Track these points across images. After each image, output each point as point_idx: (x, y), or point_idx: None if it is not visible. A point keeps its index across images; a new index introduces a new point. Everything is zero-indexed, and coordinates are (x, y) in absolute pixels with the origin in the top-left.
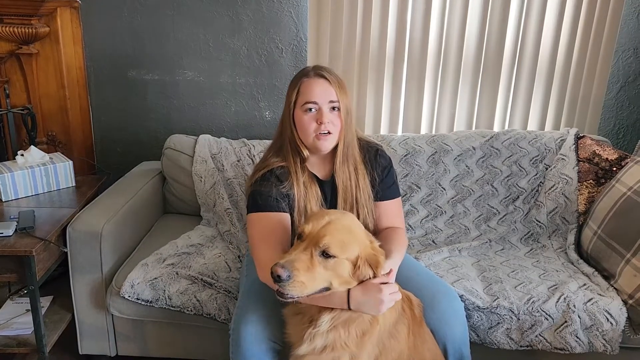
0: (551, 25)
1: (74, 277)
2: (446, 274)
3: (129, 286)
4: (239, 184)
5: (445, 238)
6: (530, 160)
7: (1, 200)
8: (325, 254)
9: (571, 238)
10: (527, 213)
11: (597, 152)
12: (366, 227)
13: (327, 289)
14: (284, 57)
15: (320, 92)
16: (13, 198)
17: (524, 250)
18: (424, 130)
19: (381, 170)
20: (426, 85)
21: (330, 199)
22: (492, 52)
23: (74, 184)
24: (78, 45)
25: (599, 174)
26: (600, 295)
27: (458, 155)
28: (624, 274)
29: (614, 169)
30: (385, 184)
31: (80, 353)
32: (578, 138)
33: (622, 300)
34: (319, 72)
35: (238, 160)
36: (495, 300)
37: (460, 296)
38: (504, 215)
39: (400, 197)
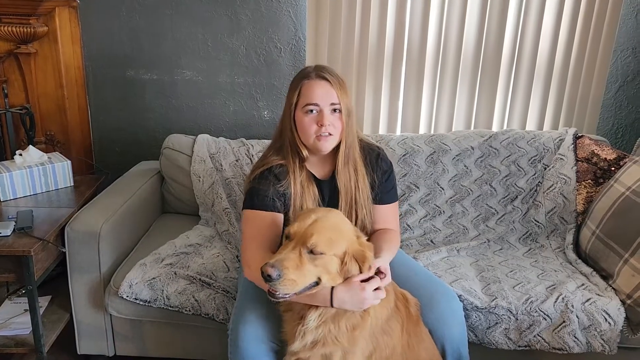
0: (550, 25)
1: (72, 277)
2: (444, 273)
3: (127, 286)
4: (237, 183)
5: (444, 238)
6: (529, 160)
7: None
8: (314, 252)
9: (569, 238)
10: (525, 213)
11: (595, 151)
12: (364, 227)
13: (317, 284)
14: (283, 57)
15: (322, 94)
16: (11, 198)
17: (523, 250)
18: (422, 130)
19: (381, 174)
20: (425, 84)
21: (328, 199)
22: (490, 52)
23: (72, 184)
24: (76, 45)
25: (598, 173)
26: (598, 295)
27: (456, 155)
28: (622, 274)
29: (613, 168)
30: (384, 188)
31: (78, 353)
32: (576, 138)
33: (620, 300)
34: (320, 73)
35: (236, 160)
36: (493, 300)
37: (458, 296)
38: (503, 215)
39: (397, 202)
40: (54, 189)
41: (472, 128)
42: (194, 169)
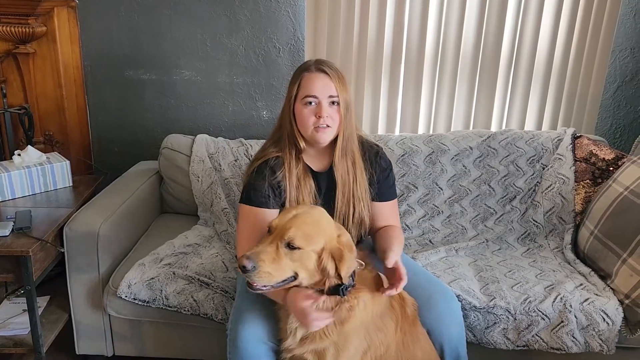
0: (548, 25)
1: (71, 277)
2: (443, 273)
3: (126, 286)
4: (236, 183)
5: (442, 238)
6: (527, 160)
7: None
8: (291, 246)
9: (568, 238)
10: (524, 213)
11: (594, 151)
12: (362, 221)
13: (295, 278)
14: (282, 57)
15: (321, 86)
16: (10, 198)
17: (521, 250)
18: (421, 130)
19: (380, 172)
20: (423, 85)
21: (325, 191)
22: (489, 52)
23: (71, 184)
24: (75, 45)
25: (596, 173)
26: (596, 295)
27: (455, 155)
28: (620, 274)
29: (611, 168)
30: (385, 185)
31: (77, 353)
32: (575, 138)
33: (619, 300)
34: (319, 66)
35: (235, 160)
36: (492, 300)
37: (457, 296)
38: (501, 215)
39: (396, 199)
40: (52, 189)
41: (470, 128)
42: (193, 169)
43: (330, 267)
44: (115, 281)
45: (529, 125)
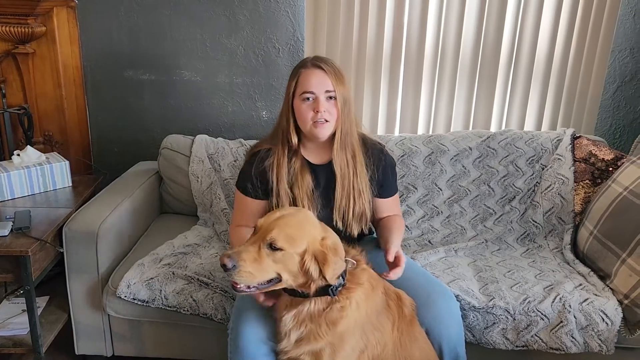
0: (548, 25)
1: (70, 277)
2: (442, 274)
3: (125, 286)
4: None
5: (442, 238)
6: (527, 160)
7: None
8: (273, 247)
9: (567, 238)
10: (523, 213)
11: (593, 152)
12: (363, 214)
13: (279, 280)
14: (281, 57)
15: (317, 82)
16: (9, 198)
17: (520, 250)
18: (421, 130)
19: (383, 168)
20: (423, 85)
21: (324, 184)
22: (489, 52)
23: (70, 184)
24: (75, 45)
25: (595, 174)
26: (595, 295)
27: (454, 156)
28: (619, 274)
29: (610, 169)
30: (389, 182)
31: (76, 353)
32: (574, 138)
33: (618, 301)
34: (316, 62)
35: (235, 161)
36: (491, 300)
37: (456, 296)
38: (500, 216)
39: (397, 192)
40: (52, 189)
41: (470, 128)
42: (192, 169)
43: (314, 270)
44: (114, 281)
45: (529, 125)
